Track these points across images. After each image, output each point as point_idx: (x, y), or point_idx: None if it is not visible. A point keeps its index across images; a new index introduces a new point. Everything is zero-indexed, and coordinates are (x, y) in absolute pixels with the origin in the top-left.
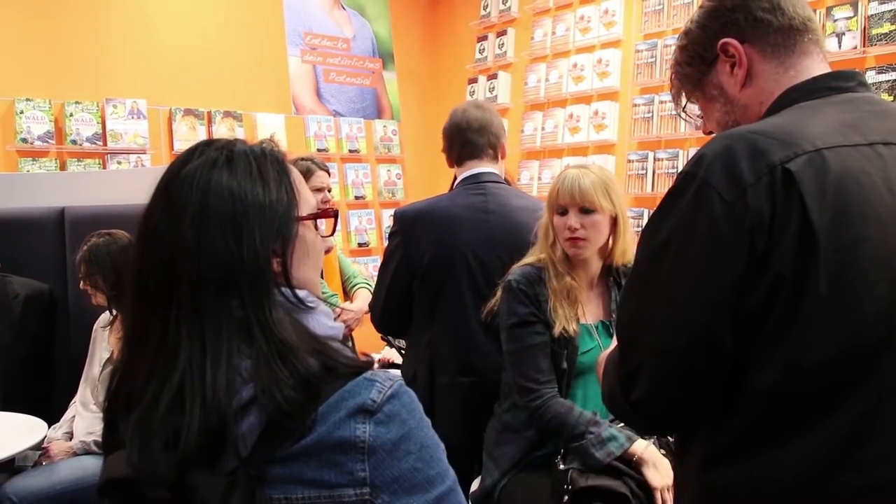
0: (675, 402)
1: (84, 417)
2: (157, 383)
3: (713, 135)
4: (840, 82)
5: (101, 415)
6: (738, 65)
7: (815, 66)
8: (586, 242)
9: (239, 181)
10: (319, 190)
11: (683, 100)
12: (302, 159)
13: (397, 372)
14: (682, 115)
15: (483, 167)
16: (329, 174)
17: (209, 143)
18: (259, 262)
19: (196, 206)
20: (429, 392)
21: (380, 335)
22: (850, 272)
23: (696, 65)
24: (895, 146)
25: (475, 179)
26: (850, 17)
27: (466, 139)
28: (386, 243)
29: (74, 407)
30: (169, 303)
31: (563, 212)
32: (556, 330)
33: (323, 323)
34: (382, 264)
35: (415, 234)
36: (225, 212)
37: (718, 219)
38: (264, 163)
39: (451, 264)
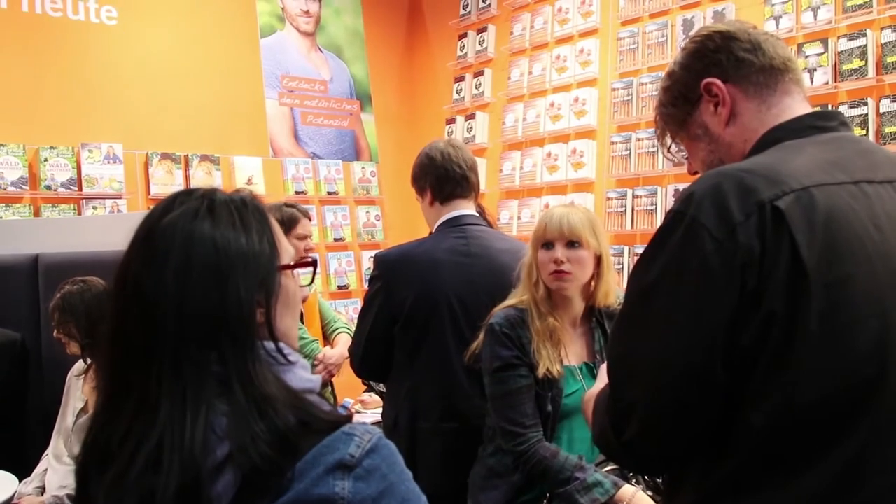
0: (667, 441)
1: (57, 470)
2: (135, 440)
3: (698, 174)
4: (823, 122)
5: (73, 467)
6: (721, 104)
7: (796, 106)
8: (571, 277)
9: (222, 231)
10: (303, 238)
11: (668, 140)
12: (286, 205)
13: (376, 421)
14: (668, 154)
15: (466, 209)
16: (310, 220)
17: (189, 193)
18: (244, 314)
19: (179, 256)
20: (411, 439)
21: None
22: (841, 309)
23: (680, 105)
24: (879, 184)
25: (457, 222)
26: (820, 54)
27: (464, 177)
28: (366, 286)
29: (47, 459)
30: (150, 356)
31: (550, 246)
32: (540, 371)
33: (300, 376)
34: (363, 309)
35: (396, 279)
36: (209, 262)
37: (709, 256)
38: (245, 212)
39: (434, 309)
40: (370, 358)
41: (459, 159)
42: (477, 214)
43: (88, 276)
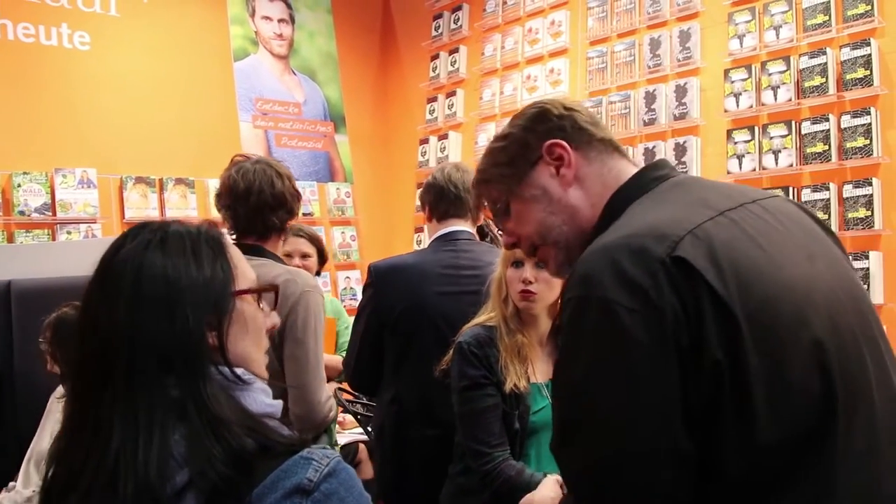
0: None
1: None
2: (92, 469)
3: (517, 245)
4: (659, 171)
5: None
6: (566, 165)
7: (630, 167)
8: (538, 297)
9: (172, 261)
10: (289, 255)
11: (493, 205)
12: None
13: (354, 441)
14: (489, 224)
15: (461, 226)
16: (316, 242)
17: (143, 226)
18: (192, 338)
19: (129, 289)
20: (396, 445)
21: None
22: (771, 332)
23: (517, 165)
24: (735, 210)
25: (449, 237)
26: (783, 71)
27: (458, 197)
28: (343, 304)
29: (12, 491)
30: (103, 387)
31: (519, 264)
32: (507, 386)
33: (260, 400)
34: (355, 318)
35: (386, 287)
36: (158, 293)
37: (632, 330)
38: (199, 243)
39: (420, 317)
40: (361, 365)
41: (457, 181)
42: (471, 231)
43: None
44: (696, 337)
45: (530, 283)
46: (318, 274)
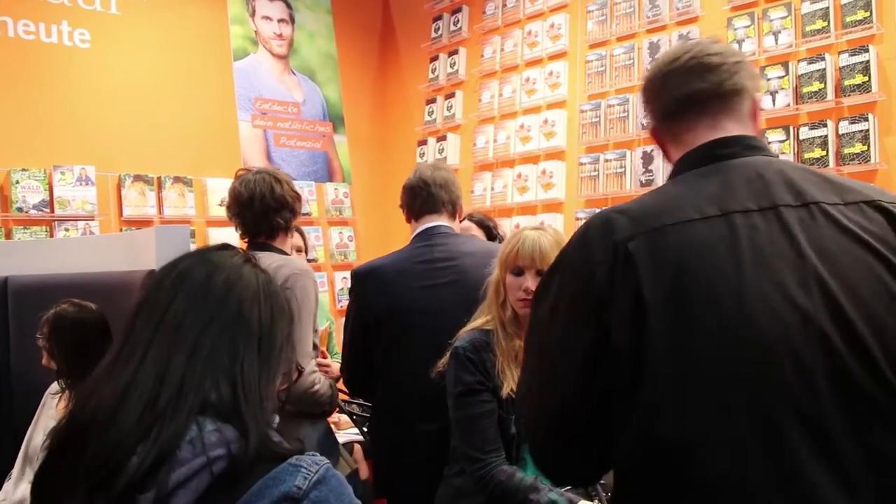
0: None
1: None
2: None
3: None
4: (720, 150)
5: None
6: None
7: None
8: None
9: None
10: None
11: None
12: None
13: (349, 441)
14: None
15: (436, 221)
16: (302, 235)
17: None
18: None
19: None
20: (394, 441)
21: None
22: (686, 349)
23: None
24: (757, 213)
25: (426, 233)
26: (782, 77)
27: (430, 193)
28: (339, 306)
29: (6, 486)
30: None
31: (519, 272)
32: (504, 391)
33: None
34: (344, 324)
35: (366, 289)
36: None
37: (575, 295)
38: None
39: (401, 314)
40: (353, 367)
41: (428, 178)
42: (447, 225)
43: (85, 302)
44: (610, 319)
45: (532, 291)
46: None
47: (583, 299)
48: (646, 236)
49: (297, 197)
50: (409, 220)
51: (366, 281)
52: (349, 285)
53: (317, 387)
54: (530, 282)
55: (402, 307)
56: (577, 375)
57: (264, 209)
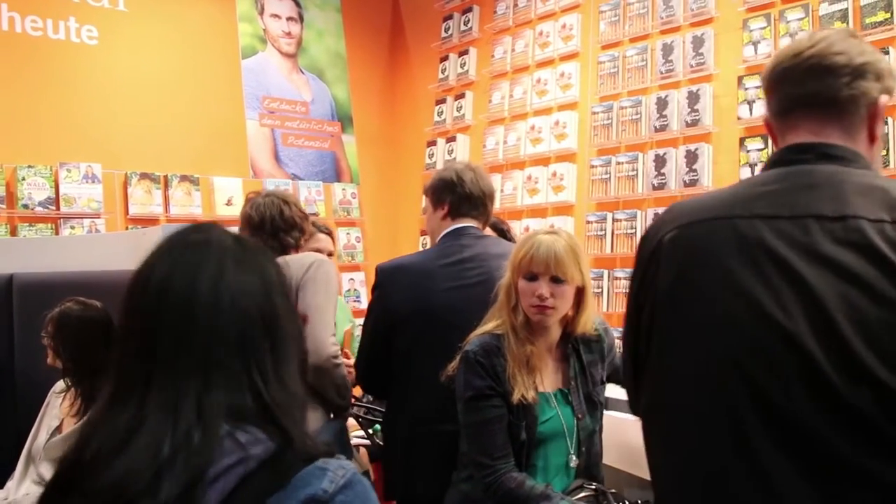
0: None
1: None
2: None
3: None
4: (794, 155)
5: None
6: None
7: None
8: (553, 311)
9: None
10: (319, 251)
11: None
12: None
13: (357, 444)
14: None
15: (471, 222)
16: (330, 235)
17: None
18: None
19: None
20: (409, 443)
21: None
22: (677, 329)
23: None
24: (787, 220)
25: (457, 233)
26: None
27: (482, 203)
28: (347, 305)
29: (9, 485)
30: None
31: (533, 278)
32: (515, 397)
33: None
34: (365, 319)
35: (392, 287)
36: None
37: (637, 271)
38: None
39: (425, 314)
40: (371, 365)
41: (485, 187)
42: (478, 228)
43: (89, 300)
44: (643, 300)
45: (546, 298)
46: None
47: (640, 276)
48: (675, 232)
49: (305, 217)
50: (443, 217)
51: (392, 277)
52: (355, 286)
53: (337, 361)
54: (544, 288)
55: (428, 305)
56: (626, 342)
57: (275, 230)
